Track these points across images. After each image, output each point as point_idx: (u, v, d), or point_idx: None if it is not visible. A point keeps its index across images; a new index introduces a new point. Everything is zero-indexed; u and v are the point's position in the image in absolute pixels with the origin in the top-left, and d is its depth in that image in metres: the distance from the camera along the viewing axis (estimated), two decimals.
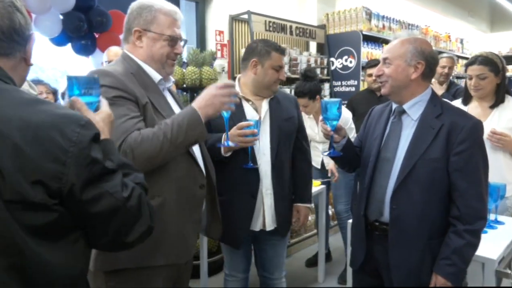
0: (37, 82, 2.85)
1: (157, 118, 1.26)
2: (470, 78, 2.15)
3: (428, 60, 1.40)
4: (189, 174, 1.32)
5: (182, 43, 1.40)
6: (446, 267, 1.34)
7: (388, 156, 1.44)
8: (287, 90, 3.90)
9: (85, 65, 3.25)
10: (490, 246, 1.59)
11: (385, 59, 1.44)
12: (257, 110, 1.81)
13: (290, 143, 1.89)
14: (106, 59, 2.57)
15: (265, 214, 1.81)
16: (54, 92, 2.89)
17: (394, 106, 1.50)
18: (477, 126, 1.38)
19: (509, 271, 1.51)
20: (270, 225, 1.83)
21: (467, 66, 2.18)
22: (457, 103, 2.25)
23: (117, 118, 1.14)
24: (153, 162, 1.18)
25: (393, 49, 1.42)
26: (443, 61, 3.36)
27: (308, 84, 2.77)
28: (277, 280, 1.98)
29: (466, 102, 2.25)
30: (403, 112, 1.46)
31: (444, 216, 1.40)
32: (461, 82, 5.58)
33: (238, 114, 1.71)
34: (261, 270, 2.01)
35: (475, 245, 1.37)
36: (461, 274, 1.36)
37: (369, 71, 3.19)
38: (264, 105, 1.83)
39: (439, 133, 1.36)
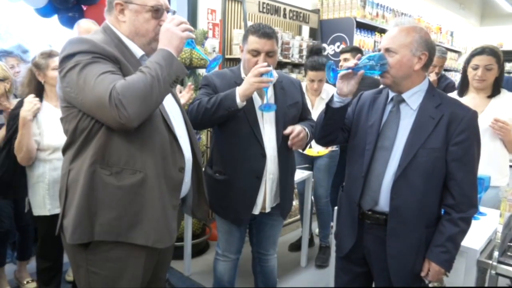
0: (6, 54, 2.62)
1: None
2: (475, 68, 2.15)
3: (430, 51, 1.38)
4: (170, 155, 1.28)
5: (170, 15, 1.31)
6: (441, 255, 1.37)
7: (386, 145, 1.43)
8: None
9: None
10: (472, 237, 1.62)
11: (388, 49, 1.38)
12: (261, 96, 1.78)
13: None
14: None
15: (266, 198, 1.82)
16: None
17: (392, 94, 1.48)
18: (475, 116, 1.39)
19: (489, 262, 1.55)
20: (268, 208, 1.85)
21: (473, 56, 2.17)
22: (453, 95, 2.25)
23: (99, 75, 1.10)
24: (148, 103, 1.12)
25: (398, 38, 1.36)
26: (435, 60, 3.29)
27: (324, 58, 2.72)
28: (271, 256, 2.06)
29: (462, 93, 2.26)
30: (402, 101, 1.44)
31: (439, 204, 1.42)
32: (449, 75, 5.63)
33: (247, 101, 1.68)
34: (257, 247, 2.06)
35: (466, 232, 1.41)
36: (453, 260, 1.40)
37: (344, 55, 3.13)
38: (270, 91, 1.78)
39: (439, 123, 1.36)
